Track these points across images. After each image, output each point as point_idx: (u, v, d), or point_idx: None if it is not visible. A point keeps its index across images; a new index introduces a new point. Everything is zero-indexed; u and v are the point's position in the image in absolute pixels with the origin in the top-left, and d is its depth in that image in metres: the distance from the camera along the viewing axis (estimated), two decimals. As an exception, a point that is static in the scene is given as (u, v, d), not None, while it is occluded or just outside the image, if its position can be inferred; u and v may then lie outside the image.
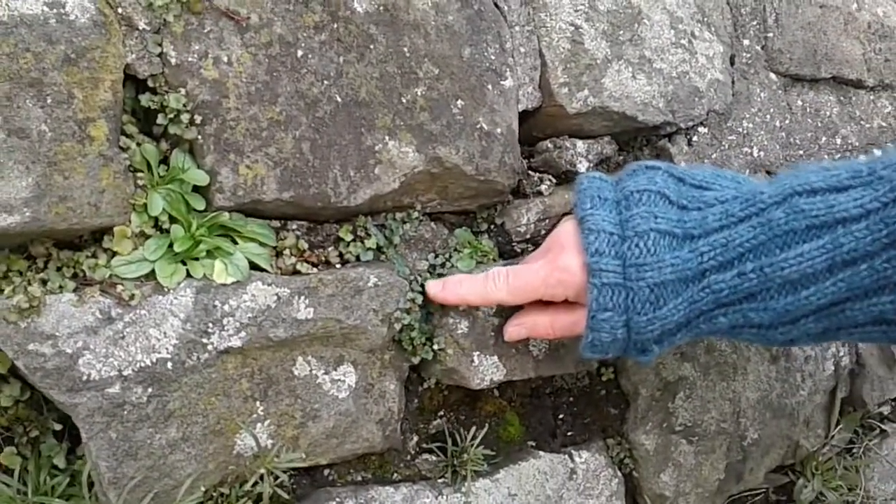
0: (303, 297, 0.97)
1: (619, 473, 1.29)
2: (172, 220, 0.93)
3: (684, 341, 0.88)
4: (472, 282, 0.99)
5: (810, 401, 1.48)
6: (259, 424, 0.95)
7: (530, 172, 1.28)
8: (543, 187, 1.27)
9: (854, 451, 1.60)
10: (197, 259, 0.93)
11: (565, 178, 1.30)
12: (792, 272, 0.75)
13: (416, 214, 1.13)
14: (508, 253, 1.24)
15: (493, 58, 1.14)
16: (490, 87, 1.14)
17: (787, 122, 1.48)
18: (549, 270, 0.91)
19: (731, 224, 0.80)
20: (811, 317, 0.77)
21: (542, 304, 1.02)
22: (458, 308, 1.10)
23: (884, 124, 1.61)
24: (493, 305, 0.94)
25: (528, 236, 1.27)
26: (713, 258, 0.79)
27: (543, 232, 1.29)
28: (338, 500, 1.00)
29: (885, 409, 1.70)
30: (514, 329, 1.00)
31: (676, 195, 0.86)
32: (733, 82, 1.42)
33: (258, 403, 0.95)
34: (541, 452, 1.20)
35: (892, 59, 1.63)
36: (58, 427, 0.94)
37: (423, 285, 1.11)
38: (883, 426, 1.66)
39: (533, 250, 1.27)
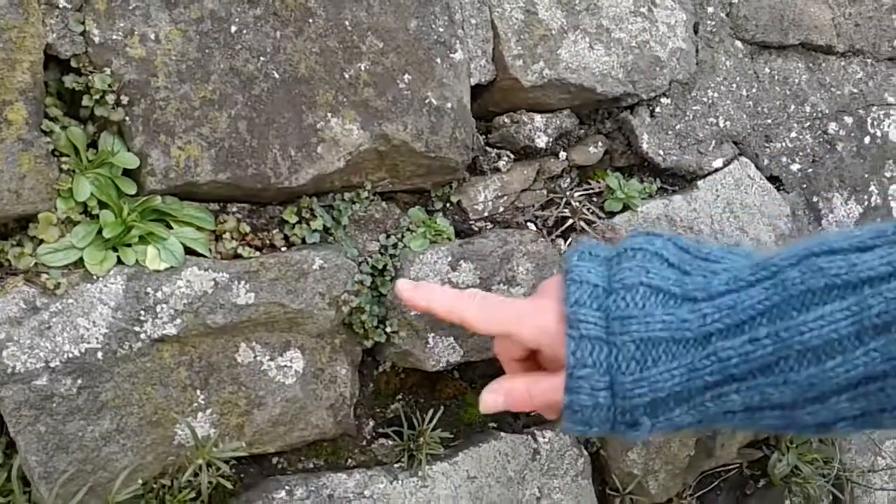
0: (243, 282, 0.94)
1: (586, 452, 1.26)
2: (102, 205, 0.90)
3: (688, 425, 0.74)
4: (444, 292, 0.90)
5: (783, 374, 1.45)
6: (200, 413, 0.92)
7: (487, 149, 1.24)
8: (501, 163, 1.24)
9: (830, 423, 1.58)
10: (129, 245, 0.90)
11: (524, 153, 1.27)
12: (812, 337, 0.64)
13: (365, 194, 1.10)
14: (466, 232, 1.21)
15: (441, 30, 1.11)
16: (439, 60, 1.10)
17: (754, 90, 1.45)
18: (526, 307, 0.80)
19: (740, 288, 0.70)
20: (843, 395, 0.66)
21: (521, 370, 0.91)
22: (411, 289, 1.07)
23: (855, 91, 1.58)
24: (458, 323, 0.85)
25: (486, 214, 1.24)
26: (719, 321, 0.68)
27: (502, 209, 1.26)
28: (287, 488, 0.98)
29: (863, 381, 1.68)
30: (490, 397, 0.86)
31: (678, 260, 0.75)
32: (697, 51, 1.38)
33: (199, 392, 0.92)
34: (502, 433, 1.18)
35: (863, 24, 1.59)
36: (-6, 422, 0.91)
37: (373, 267, 1.08)
38: (860, 398, 1.64)
39: (492, 228, 1.24)
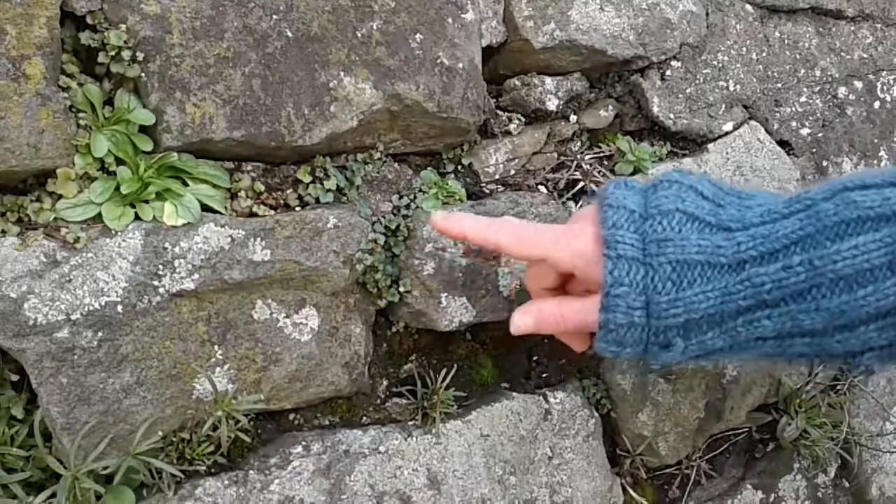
0: (259, 239, 0.94)
1: (597, 414, 1.28)
2: (119, 161, 0.90)
3: (719, 350, 0.75)
4: (478, 219, 0.89)
5: (792, 338, 1.46)
6: (218, 368, 0.93)
7: (498, 112, 1.25)
8: (512, 126, 1.24)
9: (838, 388, 1.59)
10: (146, 201, 0.90)
11: (535, 116, 1.27)
12: (845, 266, 0.65)
13: (378, 155, 1.10)
14: (477, 194, 1.21)
15: (452, -10, 1.11)
16: (450, 20, 1.10)
17: (764, 54, 1.44)
18: (562, 231, 0.79)
19: (774, 220, 0.71)
20: (872, 324, 0.67)
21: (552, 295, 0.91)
22: (424, 249, 1.08)
23: (865, 55, 1.58)
24: (493, 248, 0.85)
25: (496, 177, 1.24)
26: (753, 248, 0.70)
27: (513, 172, 1.26)
28: (304, 443, 0.99)
29: (871, 346, 1.68)
30: (521, 317, 0.85)
31: (711, 194, 0.77)
32: (707, 14, 1.38)
33: (216, 347, 0.93)
34: (514, 394, 1.19)
35: (873, -12, 1.59)
36: (15, 378, 0.92)
37: (386, 227, 1.08)
38: (868, 363, 1.64)
39: (503, 190, 1.25)
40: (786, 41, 1.48)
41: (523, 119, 1.25)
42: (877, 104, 1.56)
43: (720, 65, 1.39)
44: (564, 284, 0.84)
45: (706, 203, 0.74)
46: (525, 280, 0.87)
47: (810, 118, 1.49)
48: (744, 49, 1.42)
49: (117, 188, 0.89)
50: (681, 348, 0.73)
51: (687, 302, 0.71)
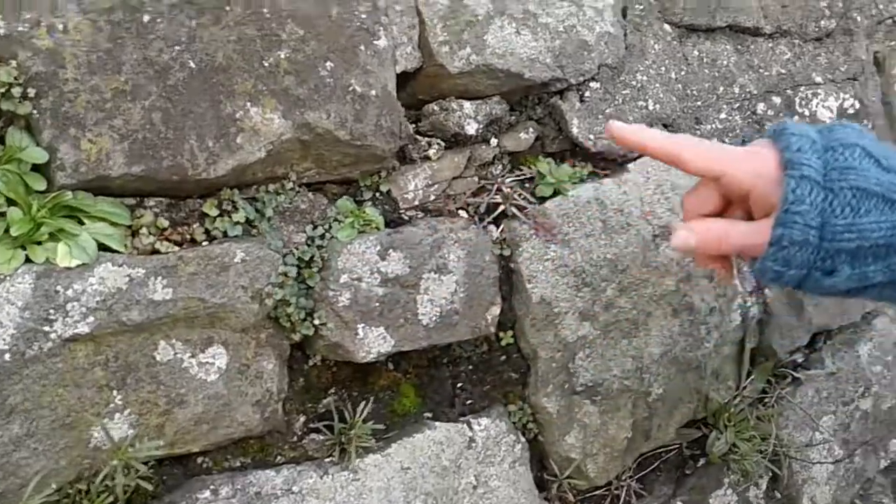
0: (160, 278, 0.91)
1: (523, 439, 1.27)
2: (10, 202, 0.86)
3: (876, 285, 0.79)
4: (657, 132, 0.82)
5: (717, 353, 1.47)
6: (118, 414, 0.90)
7: (418, 137, 1.23)
8: (432, 152, 1.23)
9: (766, 400, 1.60)
10: (39, 243, 0.87)
11: (454, 141, 1.25)
12: None
13: (290, 185, 1.08)
14: (396, 221, 1.20)
15: (364, 16, 1.09)
16: (362, 47, 1.08)
17: (683, 73, 1.45)
18: (743, 152, 0.81)
19: None
20: None
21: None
22: (339, 280, 1.06)
23: (783, 71, 1.60)
24: (671, 161, 0.82)
25: (416, 203, 1.23)
26: None
27: (433, 197, 1.25)
28: (212, 487, 0.96)
29: (798, 357, 1.71)
30: (683, 233, 0.82)
31: (877, 142, 0.81)
32: (626, 35, 1.39)
33: (115, 392, 0.90)
34: (437, 423, 1.17)
35: (790, 5, 1.61)
36: None
37: (300, 259, 1.06)
38: (796, 374, 1.67)
39: (423, 217, 1.23)
40: (704, 59, 1.49)
41: (443, 144, 1.24)
42: (795, 119, 1.58)
43: (639, 85, 1.40)
44: (722, 213, 0.85)
45: (878, 148, 0.79)
46: (683, 203, 0.85)
47: (730, 135, 1.51)
48: (663, 68, 1.43)
49: (7, 230, 0.85)
50: (845, 275, 0.77)
51: (861, 229, 0.75)
